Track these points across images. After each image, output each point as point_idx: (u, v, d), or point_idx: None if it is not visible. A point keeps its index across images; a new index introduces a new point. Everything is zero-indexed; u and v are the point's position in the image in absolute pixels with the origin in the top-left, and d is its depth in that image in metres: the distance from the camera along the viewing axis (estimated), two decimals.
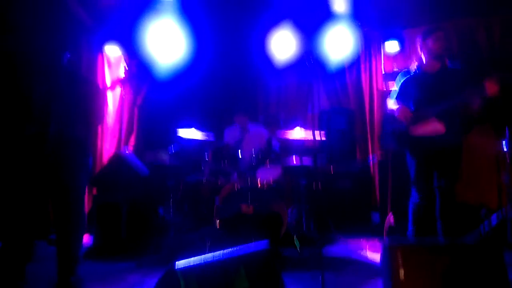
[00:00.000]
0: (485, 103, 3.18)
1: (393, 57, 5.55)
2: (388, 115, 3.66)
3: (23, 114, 2.99)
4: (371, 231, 4.42)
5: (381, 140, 4.76)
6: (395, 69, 5.34)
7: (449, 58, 3.52)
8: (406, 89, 3.54)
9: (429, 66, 3.46)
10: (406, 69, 3.66)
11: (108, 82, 5.41)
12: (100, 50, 5.30)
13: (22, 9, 3.87)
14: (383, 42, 5.47)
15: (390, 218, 4.12)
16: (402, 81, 3.60)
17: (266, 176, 4.11)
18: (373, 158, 5.44)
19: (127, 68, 5.62)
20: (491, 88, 3.05)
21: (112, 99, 5.40)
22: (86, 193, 3.36)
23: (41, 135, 2.80)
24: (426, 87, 3.38)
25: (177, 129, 4.23)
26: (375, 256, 3.72)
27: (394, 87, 3.66)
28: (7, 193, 3.24)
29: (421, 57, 3.52)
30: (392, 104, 3.60)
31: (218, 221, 3.77)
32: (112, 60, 5.52)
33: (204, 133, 4.23)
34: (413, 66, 3.60)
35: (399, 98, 3.58)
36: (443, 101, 3.23)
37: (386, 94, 5.01)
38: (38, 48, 3.46)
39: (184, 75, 5.53)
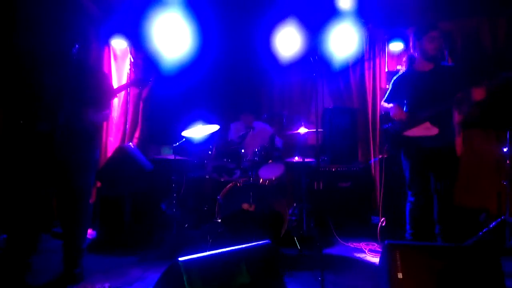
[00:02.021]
0: (473, 108, 3.20)
1: (397, 56, 5.54)
2: (382, 115, 3.67)
3: (34, 109, 3.02)
4: (370, 232, 4.42)
5: (380, 139, 4.78)
6: (399, 68, 5.34)
7: (442, 59, 3.51)
8: (399, 87, 3.54)
9: (421, 65, 3.43)
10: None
11: (114, 75, 5.44)
12: (107, 42, 5.31)
13: (32, 0, 3.89)
14: (388, 41, 5.46)
15: (382, 220, 4.14)
16: (394, 79, 3.59)
17: (268, 173, 4.14)
18: (375, 158, 5.46)
19: (133, 61, 5.62)
20: (478, 94, 3.07)
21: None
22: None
23: (51, 132, 2.82)
24: (418, 85, 3.37)
25: (182, 124, 4.25)
26: (373, 258, 3.76)
27: (389, 86, 3.67)
28: (12, 185, 3.29)
29: (412, 55, 3.49)
30: (386, 104, 3.61)
31: (219, 218, 3.80)
32: (118, 53, 5.53)
33: (209, 125, 4.22)
34: (403, 63, 3.58)
35: (392, 97, 3.58)
36: (436, 101, 3.23)
37: None
38: (48, 39, 3.49)
39: (189, 70, 5.53)
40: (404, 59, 3.60)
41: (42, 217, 3.11)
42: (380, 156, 4.87)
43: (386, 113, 3.59)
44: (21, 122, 3.02)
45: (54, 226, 4.32)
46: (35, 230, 3.04)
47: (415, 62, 3.47)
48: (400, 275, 2.28)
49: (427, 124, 3.29)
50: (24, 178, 3.01)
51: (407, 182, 3.50)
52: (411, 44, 3.48)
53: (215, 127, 4.23)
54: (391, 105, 3.51)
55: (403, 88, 3.48)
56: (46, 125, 2.88)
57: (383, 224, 4.00)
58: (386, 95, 3.66)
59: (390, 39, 5.38)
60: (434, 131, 3.26)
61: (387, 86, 5.18)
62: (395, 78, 3.60)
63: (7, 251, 3.02)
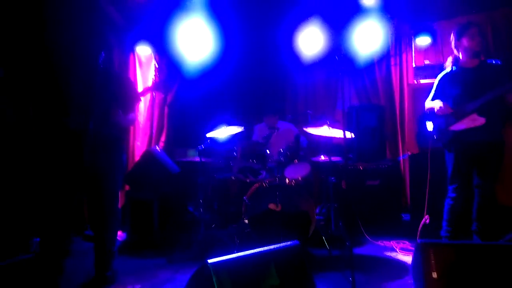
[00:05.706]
0: None
1: (424, 50, 5.40)
2: (426, 113, 3.62)
3: (63, 107, 3.10)
4: (400, 230, 4.33)
5: (418, 138, 4.67)
6: (426, 63, 5.20)
7: (486, 54, 3.44)
8: (445, 86, 3.50)
9: (466, 62, 3.41)
10: (443, 67, 3.61)
11: (140, 81, 5.53)
12: (132, 49, 5.41)
13: (60, 9, 3.99)
14: (414, 35, 5.32)
15: (426, 218, 4.03)
16: (439, 79, 3.56)
17: (294, 173, 4.09)
18: (404, 155, 5.33)
19: (157, 67, 5.70)
20: None
21: (144, 97, 5.51)
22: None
23: (82, 131, 2.89)
24: (466, 83, 3.34)
25: (206, 127, 4.28)
26: (405, 257, 3.67)
27: (433, 85, 3.62)
28: (45, 189, 3.38)
29: (456, 54, 3.46)
30: (430, 102, 3.56)
31: (246, 218, 3.79)
32: (143, 59, 5.63)
33: (234, 127, 4.23)
34: (449, 63, 3.54)
35: (437, 96, 3.55)
36: (482, 94, 3.18)
37: (417, 89, 4.91)
38: (76, 47, 3.58)
39: (213, 73, 5.57)
40: (450, 58, 3.54)
41: (74, 220, 3.19)
42: (409, 153, 4.74)
43: (430, 110, 3.55)
44: (51, 118, 3.08)
45: (86, 229, 4.42)
46: (68, 233, 3.12)
47: (459, 61, 3.46)
48: (434, 275, 2.21)
49: (474, 116, 3.23)
50: (56, 181, 3.09)
51: (449, 177, 3.45)
52: (453, 45, 3.46)
53: (239, 129, 4.23)
54: (437, 101, 3.47)
55: (450, 86, 3.46)
56: (76, 123, 2.94)
57: (427, 222, 3.89)
58: (430, 94, 3.62)
59: (416, 33, 5.24)
60: (480, 121, 3.21)
61: (415, 81, 5.10)
62: (440, 77, 3.57)
63: (40, 254, 3.10)
